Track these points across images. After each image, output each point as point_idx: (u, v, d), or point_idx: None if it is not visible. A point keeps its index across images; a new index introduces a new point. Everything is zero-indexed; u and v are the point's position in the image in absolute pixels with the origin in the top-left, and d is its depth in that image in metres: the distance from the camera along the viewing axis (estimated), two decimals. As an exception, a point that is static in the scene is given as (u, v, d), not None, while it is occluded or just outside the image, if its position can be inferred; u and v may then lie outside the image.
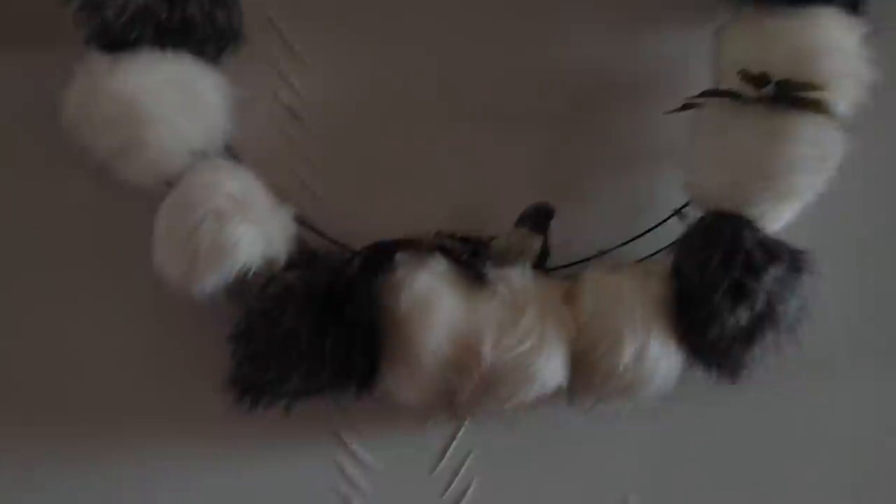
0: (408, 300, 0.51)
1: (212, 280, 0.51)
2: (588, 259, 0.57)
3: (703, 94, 0.54)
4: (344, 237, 0.56)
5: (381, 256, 0.52)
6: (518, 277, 0.53)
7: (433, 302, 0.51)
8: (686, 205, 0.56)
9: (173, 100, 0.51)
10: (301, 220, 0.55)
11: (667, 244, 0.56)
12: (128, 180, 0.52)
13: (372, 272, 0.52)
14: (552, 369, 0.52)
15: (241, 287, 0.52)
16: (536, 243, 0.55)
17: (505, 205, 0.57)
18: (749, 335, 0.53)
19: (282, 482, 0.59)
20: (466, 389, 0.52)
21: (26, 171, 0.57)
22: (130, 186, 0.52)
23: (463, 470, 0.60)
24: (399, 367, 0.52)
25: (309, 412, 0.55)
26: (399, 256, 0.52)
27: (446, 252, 0.54)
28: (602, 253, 0.57)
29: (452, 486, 0.60)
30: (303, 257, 0.54)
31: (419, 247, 0.53)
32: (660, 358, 0.53)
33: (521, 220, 0.56)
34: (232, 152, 0.55)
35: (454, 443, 0.60)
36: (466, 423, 0.59)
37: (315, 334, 0.51)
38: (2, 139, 0.57)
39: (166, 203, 0.52)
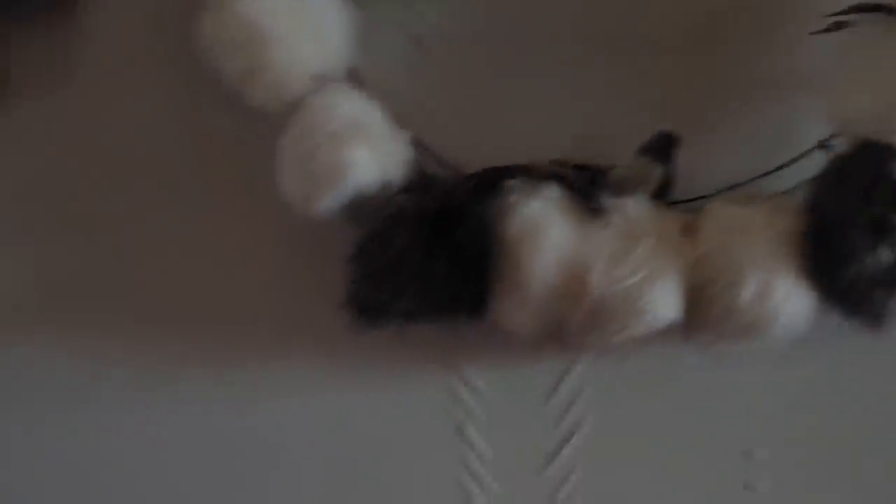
0: (517, 225, 0.51)
1: (329, 201, 0.52)
2: (715, 193, 0.54)
3: (853, 10, 0.50)
4: (461, 163, 0.56)
5: (493, 181, 0.52)
6: (634, 207, 0.51)
7: (543, 228, 0.51)
8: (831, 136, 0.52)
9: (296, 24, 0.53)
10: (418, 145, 0.55)
11: (803, 179, 0.52)
12: (255, 104, 0.54)
13: (483, 196, 0.52)
14: (665, 303, 0.50)
15: (358, 209, 0.53)
16: (658, 173, 0.53)
17: (628, 133, 0.54)
18: (892, 277, 0.48)
19: (396, 404, 0.61)
20: (575, 319, 0.51)
21: (161, 97, 0.60)
22: (259, 110, 0.54)
23: (577, 404, 0.59)
24: (508, 293, 0.52)
25: (424, 336, 0.56)
26: (511, 182, 0.52)
27: (561, 179, 0.53)
28: (731, 187, 0.54)
29: (567, 417, 0.60)
30: (419, 181, 0.55)
31: (533, 173, 0.52)
32: (786, 297, 0.50)
33: (644, 149, 0.54)
34: (354, 77, 0.56)
35: (569, 375, 0.59)
36: (583, 356, 0.59)
37: (425, 256, 0.51)
38: (138, 66, 0.60)
39: (289, 126, 0.53)
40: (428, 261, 0.52)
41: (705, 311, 0.50)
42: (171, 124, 0.60)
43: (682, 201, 0.54)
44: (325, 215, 0.53)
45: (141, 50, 0.60)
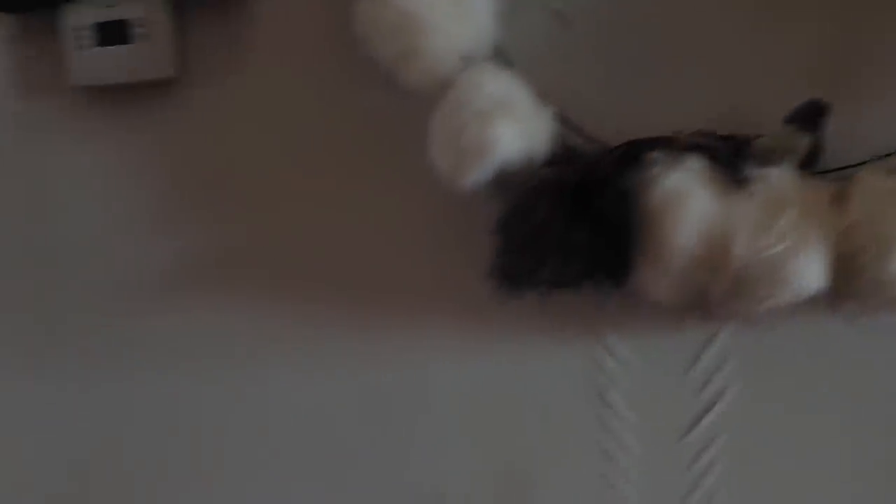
0: (659, 196, 0.52)
1: (476, 175, 0.55)
2: (865, 162, 0.53)
3: None
4: (605, 137, 0.58)
5: (636, 153, 0.53)
6: (779, 177, 0.51)
7: (685, 198, 0.51)
8: None
9: (446, 9, 0.55)
10: (562, 119, 0.57)
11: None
12: (408, 85, 0.58)
13: (626, 168, 0.53)
14: (809, 272, 0.50)
15: (504, 182, 0.56)
16: (805, 142, 0.53)
17: (774, 103, 0.54)
18: None
19: (540, 370, 0.63)
20: (717, 289, 0.52)
21: (323, 81, 0.65)
22: (411, 91, 0.58)
23: (720, 373, 0.60)
24: (650, 263, 0.53)
25: (567, 304, 0.58)
26: (654, 154, 0.53)
27: (704, 150, 0.53)
28: (882, 157, 0.53)
29: (709, 386, 0.60)
30: (562, 155, 0.57)
31: (676, 145, 0.53)
32: (937, 269, 0.48)
33: (791, 118, 0.53)
34: (500, 56, 0.58)
35: (712, 345, 0.60)
36: (726, 326, 0.59)
37: (567, 227, 0.53)
38: (302, 53, 0.65)
39: (439, 105, 0.56)
40: (570, 231, 0.54)
41: (852, 281, 0.50)
42: (332, 105, 0.65)
43: (831, 170, 0.53)
44: (473, 189, 0.56)
45: (304, 37, 0.64)
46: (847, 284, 0.50)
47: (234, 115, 0.67)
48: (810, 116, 0.53)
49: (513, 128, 0.55)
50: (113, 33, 0.67)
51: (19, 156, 0.72)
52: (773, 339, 0.57)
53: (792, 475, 0.60)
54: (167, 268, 0.70)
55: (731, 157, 0.53)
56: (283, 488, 0.70)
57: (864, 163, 0.53)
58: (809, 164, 0.53)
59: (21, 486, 0.75)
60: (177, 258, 0.69)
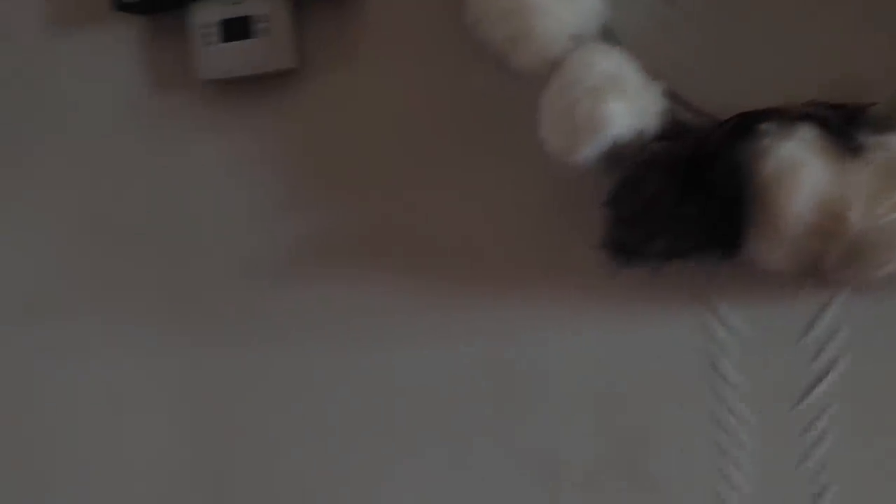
0: (772, 166, 0.52)
1: (588, 151, 0.57)
2: None
3: None
4: (715, 111, 0.58)
5: (747, 125, 0.54)
6: (896, 144, 0.51)
7: (798, 168, 0.52)
8: None
9: (556, -9, 0.57)
10: (671, 95, 0.58)
11: None
12: (519, 67, 0.60)
13: (737, 140, 0.54)
14: (929, 239, 0.50)
15: (615, 157, 0.58)
16: (923, 109, 0.52)
17: (889, 69, 0.54)
18: None
19: (651, 339, 0.65)
20: (832, 257, 0.52)
21: (435, 65, 0.68)
22: (521, 71, 0.60)
23: (833, 342, 0.60)
24: (763, 233, 0.54)
25: (678, 275, 0.60)
26: (765, 125, 0.54)
27: (817, 120, 0.54)
28: None
29: (822, 355, 0.61)
30: (673, 129, 0.58)
31: (787, 115, 0.54)
32: None
33: (908, 85, 0.53)
34: (609, 34, 0.60)
35: (825, 314, 0.60)
36: (839, 295, 0.60)
37: (679, 199, 0.55)
38: (414, 41, 0.68)
39: (550, 84, 0.59)
40: (681, 204, 0.55)
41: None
42: (444, 89, 0.68)
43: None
44: (584, 165, 0.58)
45: (416, 25, 0.67)
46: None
47: (351, 103, 0.71)
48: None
49: (624, 104, 0.56)
50: (237, 29, 0.71)
51: (152, 146, 0.78)
52: (887, 307, 0.58)
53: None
54: (289, 250, 0.74)
55: (844, 125, 0.53)
56: (405, 461, 0.73)
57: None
58: (928, 130, 0.53)
59: (151, 458, 0.80)
60: (299, 241, 0.74)
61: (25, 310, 0.83)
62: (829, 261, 0.53)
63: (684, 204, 0.55)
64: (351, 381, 0.74)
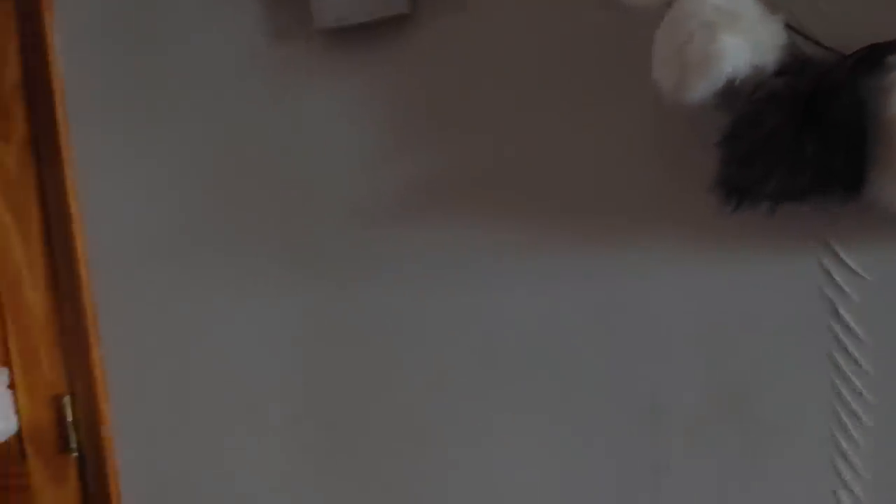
0: (899, 102, 0.50)
1: (701, 88, 0.55)
2: None
3: None
4: (840, 44, 0.56)
5: (875, 58, 0.51)
6: None
7: (928, 103, 0.49)
8: None
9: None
10: (793, 28, 0.56)
11: None
12: (631, 1, 0.58)
13: (861, 75, 0.52)
14: None
15: (730, 94, 0.56)
16: None
17: None
18: None
19: (769, 283, 0.63)
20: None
21: (545, 3, 0.67)
22: (634, 7, 0.59)
23: (965, 288, 0.57)
24: (888, 173, 0.51)
25: (795, 218, 0.58)
26: (892, 58, 0.51)
27: (954, 52, 0.50)
28: None
29: (951, 304, 0.58)
30: (794, 64, 0.56)
31: (918, 47, 0.51)
32: None
33: None
34: (726, -33, 0.58)
35: (956, 260, 0.57)
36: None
37: (797, 136, 0.53)
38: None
39: (663, 20, 0.57)
40: (800, 142, 0.53)
41: None
42: (554, 29, 0.67)
43: None
44: (698, 103, 0.56)
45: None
46: None
47: (462, 46, 0.71)
48: None
49: (740, 38, 0.54)
50: (351, -25, 0.73)
51: (273, 95, 0.80)
52: None
53: None
54: (402, 193, 0.76)
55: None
56: (508, 399, 0.75)
57: None
58: None
59: (272, 389, 0.84)
60: (411, 184, 0.75)
61: (159, 253, 0.88)
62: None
63: (804, 141, 0.53)
64: (456, 320, 0.75)
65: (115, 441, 0.93)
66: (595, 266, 0.69)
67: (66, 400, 0.94)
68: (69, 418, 0.94)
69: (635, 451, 0.70)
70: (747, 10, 0.55)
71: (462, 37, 0.71)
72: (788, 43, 0.56)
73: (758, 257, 0.63)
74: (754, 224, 0.58)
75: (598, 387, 0.71)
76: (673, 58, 0.56)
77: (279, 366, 0.84)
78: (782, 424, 0.64)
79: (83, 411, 0.94)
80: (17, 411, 0.96)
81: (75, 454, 0.95)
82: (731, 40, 0.54)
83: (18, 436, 0.97)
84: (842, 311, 0.61)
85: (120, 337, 0.91)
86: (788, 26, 0.56)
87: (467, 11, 0.71)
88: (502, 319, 0.74)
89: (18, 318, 0.95)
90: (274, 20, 0.79)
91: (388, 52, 0.74)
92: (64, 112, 0.89)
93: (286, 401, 0.84)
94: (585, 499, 0.72)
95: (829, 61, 0.54)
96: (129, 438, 0.92)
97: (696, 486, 0.68)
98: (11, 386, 0.95)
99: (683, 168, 0.62)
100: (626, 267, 0.68)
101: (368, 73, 0.75)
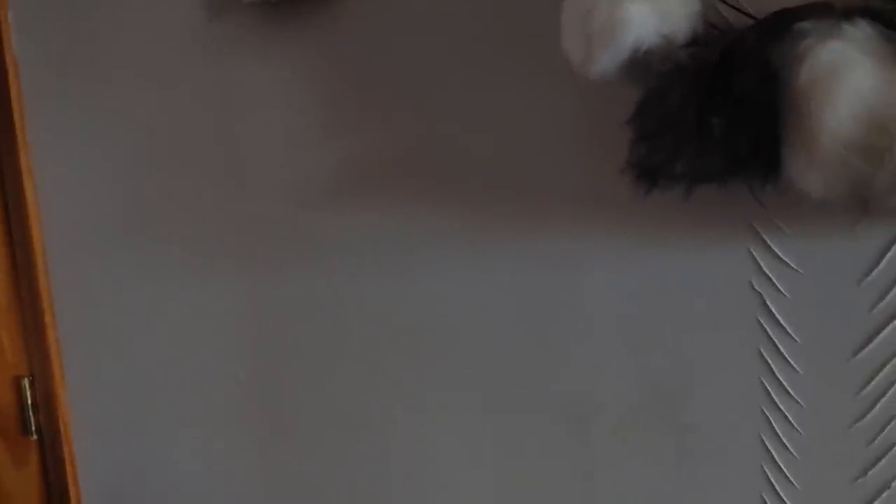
0: (808, 72, 0.45)
1: (606, 59, 0.51)
2: None
3: None
4: (761, 10, 0.51)
5: (785, 25, 0.46)
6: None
7: (841, 74, 0.44)
8: None
9: None
10: (711, -6, 0.51)
11: None
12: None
13: (772, 43, 0.47)
14: None
15: (639, 67, 0.51)
16: None
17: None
18: None
19: (692, 273, 0.58)
20: (881, 180, 0.44)
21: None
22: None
23: (899, 284, 0.52)
24: (800, 153, 0.47)
25: (724, 202, 0.53)
26: (804, 24, 0.46)
27: (873, 15, 0.45)
28: None
29: (887, 299, 0.53)
30: (706, 33, 0.51)
31: (834, 11, 0.46)
32: None
33: None
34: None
35: (892, 251, 0.52)
36: (901, 225, 0.51)
37: (703, 113, 0.48)
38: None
39: (570, -12, 0.53)
40: (707, 117, 0.48)
41: None
42: (469, 6, 0.63)
43: None
44: (605, 76, 0.52)
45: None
46: None
47: (386, 24, 0.68)
48: None
49: (646, 6, 0.50)
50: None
51: (209, 74, 0.78)
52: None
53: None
54: (335, 173, 0.73)
55: (904, 21, 0.44)
56: (439, 389, 0.71)
57: None
58: None
59: (207, 362, 0.83)
60: (338, 166, 0.72)
61: (112, 238, 0.86)
62: (878, 186, 0.45)
63: (711, 117, 0.48)
64: (394, 306, 0.72)
65: (72, 426, 0.92)
66: (523, 254, 0.65)
67: (26, 382, 0.94)
68: (29, 401, 0.94)
69: (566, 453, 0.66)
70: (655, -24, 0.50)
71: (386, 14, 0.67)
72: (704, 11, 0.51)
73: (686, 246, 0.58)
74: (684, 210, 0.53)
75: (529, 387, 0.67)
76: (579, 27, 0.52)
77: (223, 350, 0.82)
78: (711, 426, 0.60)
79: (42, 395, 0.94)
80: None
81: (35, 437, 0.94)
82: (635, 7, 0.50)
83: (-19, 417, 0.97)
84: (771, 305, 0.56)
85: (76, 322, 0.90)
86: (710, -8, 0.51)
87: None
88: (434, 308, 0.70)
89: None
90: (210, -5, 0.77)
91: (318, 30, 0.71)
92: (19, 97, 0.88)
93: (230, 385, 0.82)
94: (517, 500, 0.69)
95: (738, 30, 0.49)
96: (86, 423, 0.91)
97: (627, 490, 0.64)
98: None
99: (603, 149, 0.58)
100: (555, 256, 0.64)
101: (299, 51, 0.72)
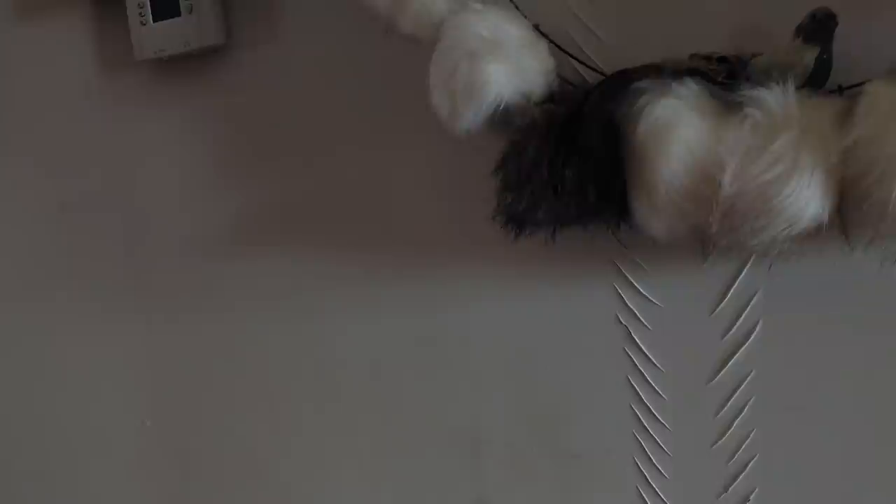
0: (644, 128, 0.49)
1: (470, 116, 0.55)
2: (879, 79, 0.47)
3: None
4: (613, 67, 0.55)
5: (620, 84, 0.51)
6: (776, 98, 0.47)
7: (671, 129, 0.49)
8: None
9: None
10: (564, 53, 0.56)
11: None
12: (406, 32, 0.58)
13: (612, 100, 0.51)
14: (804, 200, 0.46)
15: (502, 122, 0.55)
16: (810, 57, 0.48)
17: (792, 19, 0.50)
18: None
19: (568, 310, 0.62)
20: (712, 222, 0.49)
21: (341, 38, 0.67)
22: (409, 37, 0.58)
23: (746, 312, 0.57)
24: (641, 199, 0.51)
25: (590, 243, 0.57)
26: (641, 83, 0.50)
27: (700, 74, 0.50)
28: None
29: (735, 328, 0.57)
30: (564, 89, 0.55)
31: (667, 71, 0.50)
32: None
33: (798, 30, 0.49)
34: (502, -6, 0.57)
35: (738, 283, 0.57)
36: (750, 262, 0.56)
37: (554, 164, 0.52)
38: (324, 16, 0.67)
39: (435, 49, 0.56)
40: (558, 169, 0.52)
41: (859, 207, 0.46)
42: (347, 63, 0.67)
43: (842, 88, 0.48)
44: (471, 130, 0.56)
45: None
46: (854, 209, 0.46)
47: (272, 79, 0.71)
48: (815, 27, 0.48)
49: (504, 66, 0.54)
50: (166, 7, 0.72)
51: (103, 129, 0.80)
52: (799, 273, 0.54)
53: (822, 412, 0.56)
54: (222, 226, 0.75)
55: (727, 79, 0.49)
56: (337, 429, 0.74)
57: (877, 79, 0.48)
58: (817, 80, 0.49)
59: (116, 410, 0.84)
60: (230, 217, 0.75)
61: (11, 284, 0.86)
62: (710, 227, 0.49)
63: (562, 168, 0.52)
64: (291, 351, 0.74)
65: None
66: (410, 298, 0.68)
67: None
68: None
69: (457, 483, 0.69)
70: (510, 38, 0.54)
71: (272, 70, 0.71)
72: (556, 69, 0.55)
73: (557, 284, 0.62)
74: (553, 251, 0.57)
75: (421, 424, 0.70)
76: (444, 86, 0.56)
77: (124, 398, 0.83)
78: (590, 452, 0.64)
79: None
80: None
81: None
82: (492, 68, 0.54)
83: None
84: (636, 337, 0.60)
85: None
86: (566, 53, 0.55)
87: (277, 43, 0.70)
88: (330, 353, 0.72)
89: None
90: (102, 52, 0.78)
91: (208, 84, 0.74)
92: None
93: (133, 433, 0.83)
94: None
95: (586, 87, 0.54)
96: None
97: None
98: None
99: (475, 198, 0.61)
100: (440, 298, 0.67)
101: (191, 104, 0.75)
